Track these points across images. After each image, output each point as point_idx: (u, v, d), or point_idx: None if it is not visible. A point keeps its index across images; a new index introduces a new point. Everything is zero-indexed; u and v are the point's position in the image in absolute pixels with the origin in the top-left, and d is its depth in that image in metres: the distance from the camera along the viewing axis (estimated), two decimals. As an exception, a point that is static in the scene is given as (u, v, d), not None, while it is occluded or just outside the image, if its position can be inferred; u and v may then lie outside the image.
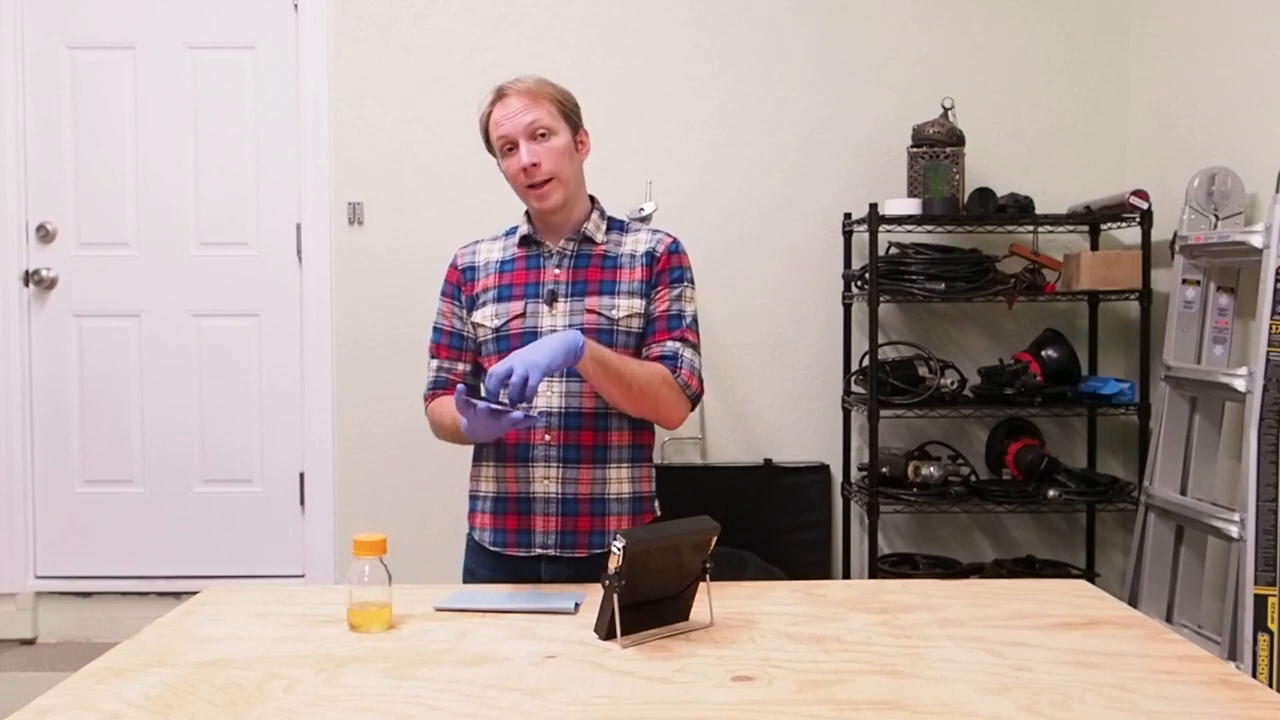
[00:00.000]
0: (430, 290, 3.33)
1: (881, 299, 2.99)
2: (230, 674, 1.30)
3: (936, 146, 3.05)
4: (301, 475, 3.36)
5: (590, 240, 1.91)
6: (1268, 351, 2.35)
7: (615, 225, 1.95)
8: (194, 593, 1.70)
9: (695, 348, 1.89)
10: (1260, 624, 2.32)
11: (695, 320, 1.91)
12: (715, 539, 1.47)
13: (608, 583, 1.38)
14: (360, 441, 3.33)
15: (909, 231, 3.16)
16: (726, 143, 3.30)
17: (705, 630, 1.46)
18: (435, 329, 1.99)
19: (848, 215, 3.24)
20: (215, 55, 3.33)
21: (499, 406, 1.58)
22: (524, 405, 1.58)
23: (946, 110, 3.14)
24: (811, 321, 3.31)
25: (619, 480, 1.87)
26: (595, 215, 1.93)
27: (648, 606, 1.42)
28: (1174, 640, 1.41)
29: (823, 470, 3.28)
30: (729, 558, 2.85)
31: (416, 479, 3.31)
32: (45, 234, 3.33)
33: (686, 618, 1.48)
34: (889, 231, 3.13)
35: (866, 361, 3.00)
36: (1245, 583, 2.35)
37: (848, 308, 3.27)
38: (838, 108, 3.29)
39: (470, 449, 1.96)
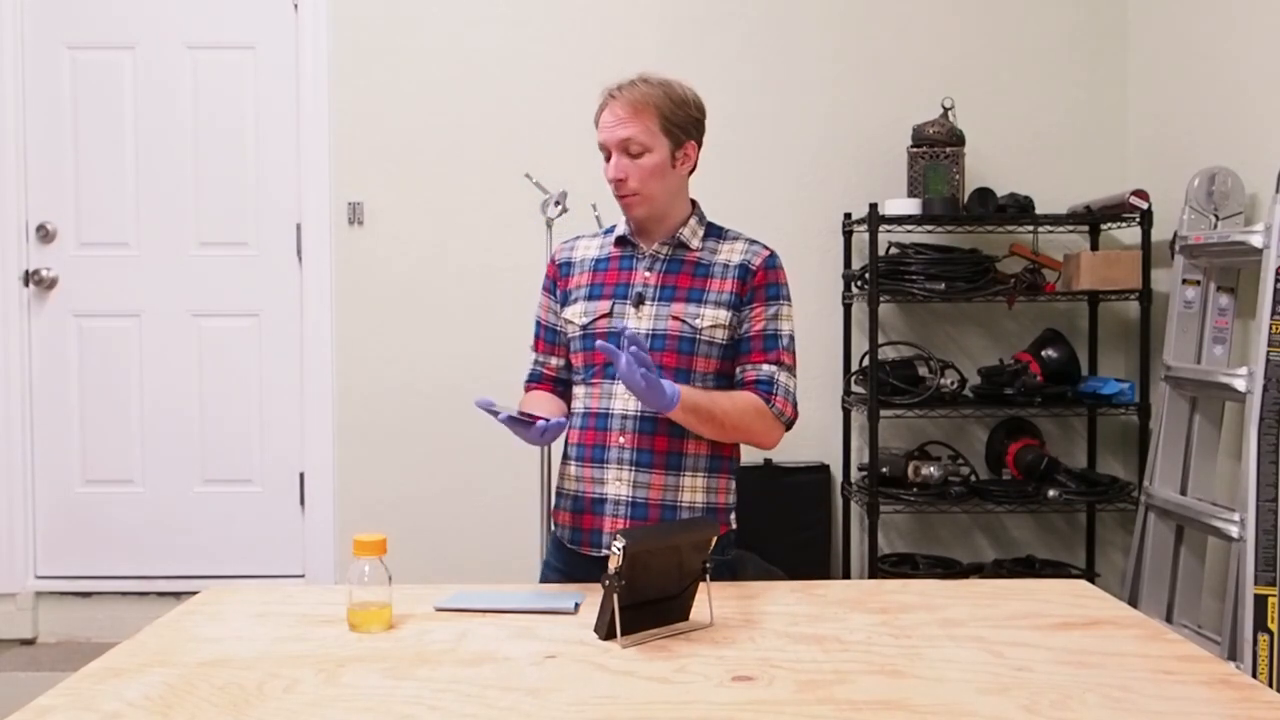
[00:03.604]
0: (430, 290, 3.36)
1: (881, 299, 2.99)
2: (230, 674, 1.30)
3: (936, 146, 3.05)
4: (301, 475, 3.36)
5: (685, 246, 1.89)
6: (1268, 351, 2.35)
7: (713, 232, 1.93)
8: (194, 593, 1.70)
9: (791, 370, 1.88)
10: (1260, 624, 2.32)
11: (792, 340, 1.90)
12: (715, 539, 1.47)
13: (608, 583, 1.38)
14: (360, 441, 3.33)
15: (909, 231, 3.16)
16: (726, 143, 3.29)
17: (705, 630, 1.46)
18: (536, 321, 2.00)
19: (848, 215, 3.24)
20: (215, 55, 3.33)
21: (520, 416, 1.62)
22: (543, 420, 1.63)
23: (946, 110, 3.14)
24: (811, 321, 3.30)
25: (693, 489, 1.85)
26: (693, 221, 1.91)
27: (648, 606, 1.42)
28: (1174, 640, 1.41)
29: (823, 470, 3.28)
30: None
31: (416, 478, 3.31)
32: (45, 234, 3.33)
33: (686, 618, 1.48)
34: (889, 231, 3.13)
35: (866, 361, 3.00)
36: (1245, 583, 2.35)
37: (848, 308, 3.27)
38: (838, 108, 3.29)
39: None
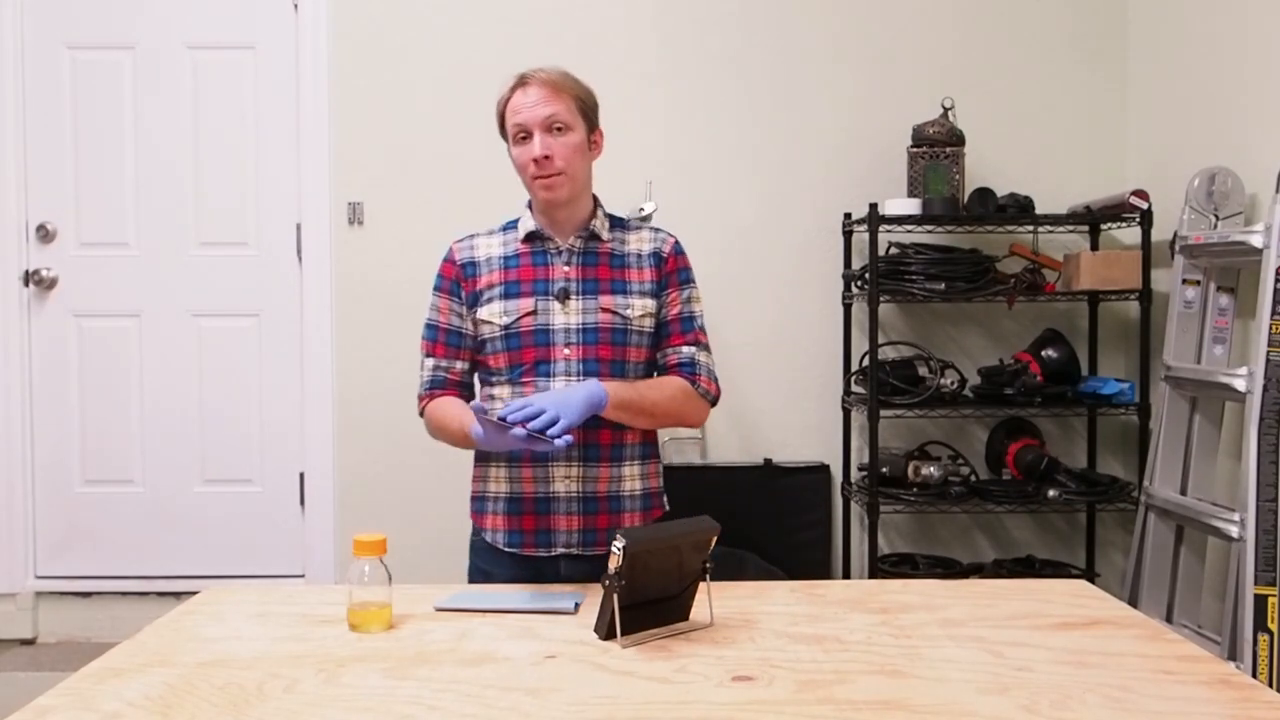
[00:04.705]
0: (430, 290, 3.34)
1: (881, 299, 2.98)
2: (230, 674, 1.30)
3: (936, 146, 3.05)
4: (301, 475, 3.36)
5: (597, 238, 1.91)
6: (1268, 351, 2.35)
7: (617, 223, 1.97)
8: (194, 593, 1.70)
9: (708, 348, 1.94)
10: (1260, 624, 2.32)
11: (703, 319, 1.95)
12: (715, 539, 1.47)
13: (608, 583, 1.38)
14: (360, 441, 3.33)
15: (909, 231, 3.16)
16: (726, 142, 3.30)
17: (705, 630, 1.46)
18: (430, 326, 1.98)
19: (848, 215, 3.24)
20: (215, 55, 3.33)
21: (537, 435, 1.58)
22: (563, 439, 1.60)
23: (946, 110, 3.14)
24: (811, 321, 3.31)
25: (632, 477, 1.89)
26: (600, 213, 1.94)
27: (648, 606, 1.43)
28: (1174, 640, 1.41)
29: (823, 470, 3.28)
30: (729, 558, 2.85)
31: (416, 479, 3.31)
32: (45, 234, 3.33)
33: (686, 618, 1.48)
34: (889, 231, 3.12)
35: (866, 361, 3.00)
36: (1245, 583, 2.35)
37: (848, 308, 3.27)
38: (838, 107, 3.29)
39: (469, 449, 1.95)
